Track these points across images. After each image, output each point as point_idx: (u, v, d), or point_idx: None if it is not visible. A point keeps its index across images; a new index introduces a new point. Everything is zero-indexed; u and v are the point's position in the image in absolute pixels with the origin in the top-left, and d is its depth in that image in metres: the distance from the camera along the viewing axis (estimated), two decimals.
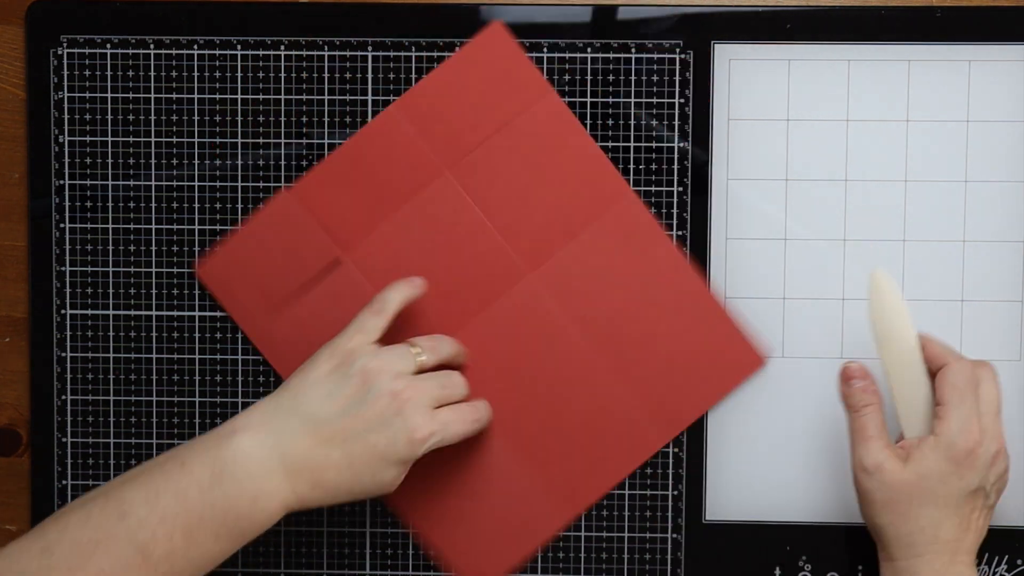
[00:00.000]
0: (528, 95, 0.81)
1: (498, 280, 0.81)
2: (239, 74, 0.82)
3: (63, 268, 0.83)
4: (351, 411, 0.72)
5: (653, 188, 0.82)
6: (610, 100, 0.82)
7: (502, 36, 0.80)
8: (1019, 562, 0.82)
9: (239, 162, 0.82)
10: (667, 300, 0.81)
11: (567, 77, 0.82)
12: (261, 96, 0.82)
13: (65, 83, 0.82)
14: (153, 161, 0.83)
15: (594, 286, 0.81)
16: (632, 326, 0.81)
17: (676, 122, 0.82)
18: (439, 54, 0.82)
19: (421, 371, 0.75)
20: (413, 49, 0.82)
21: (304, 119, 0.82)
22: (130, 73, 0.82)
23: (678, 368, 0.81)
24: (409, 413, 0.72)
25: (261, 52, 0.82)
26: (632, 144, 0.82)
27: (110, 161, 0.83)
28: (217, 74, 0.82)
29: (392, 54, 0.82)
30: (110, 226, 0.83)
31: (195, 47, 0.82)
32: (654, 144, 0.82)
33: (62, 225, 0.83)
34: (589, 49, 0.82)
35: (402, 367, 0.73)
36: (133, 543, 0.67)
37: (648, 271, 0.81)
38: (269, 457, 0.70)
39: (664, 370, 0.81)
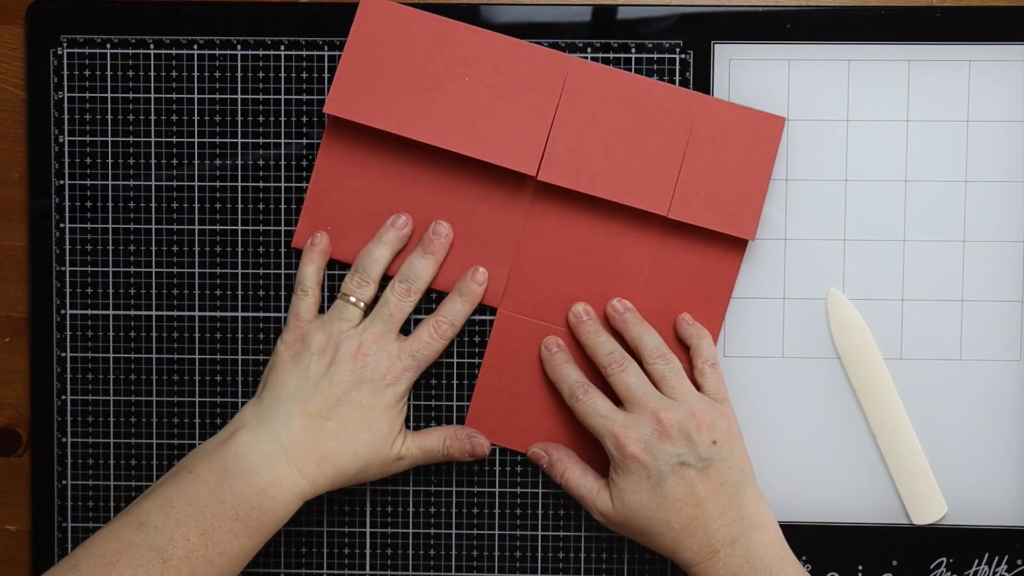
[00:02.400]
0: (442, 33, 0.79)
1: (510, 195, 0.80)
2: (239, 74, 0.82)
3: (63, 268, 0.83)
4: (325, 384, 0.76)
5: None
6: None
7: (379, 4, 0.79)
8: (1019, 562, 0.82)
9: (239, 162, 0.82)
10: (671, 122, 0.78)
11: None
12: (261, 96, 0.82)
13: (65, 83, 0.82)
14: (153, 161, 0.83)
15: (599, 160, 0.78)
16: (654, 171, 0.78)
17: None
18: None
19: (369, 306, 0.79)
20: None
21: (304, 119, 0.82)
22: (130, 73, 0.82)
23: (718, 174, 0.78)
24: (374, 363, 0.77)
25: (261, 52, 0.82)
26: None
27: (110, 161, 0.83)
28: (217, 74, 0.82)
29: None
30: (110, 226, 0.83)
31: (195, 47, 0.82)
32: None
33: (62, 225, 0.83)
34: (589, 49, 0.82)
35: (347, 325, 0.78)
36: (152, 549, 0.71)
37: (636, 113, 0.79)
38: (269, 447, 0.74)
39: (706, 185, 0.78)
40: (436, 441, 0.79)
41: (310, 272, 0.80)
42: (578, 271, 0.81)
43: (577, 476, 0.79)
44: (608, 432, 0.76)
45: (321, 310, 0.81)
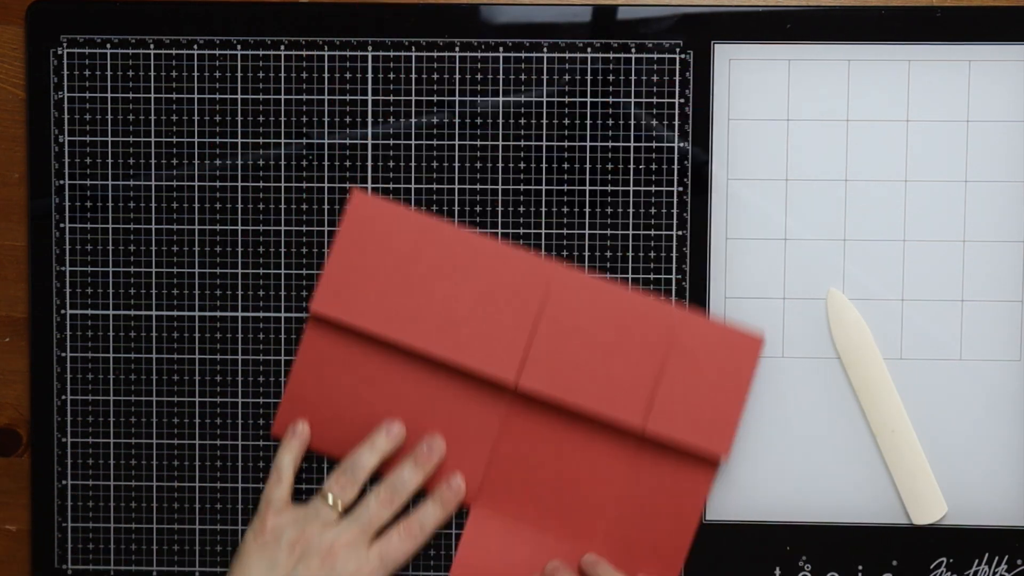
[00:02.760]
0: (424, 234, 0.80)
1: (488, 403, 0.81)
2: (239, 74, 0.82)
3: (63, 268, 0.83)
4: None
5: (653, 188, 0.82)
6: (610, 100, 0.82)
7: (367, 200, 0.81)
8: (1019, 562, 0.82)
9: (239, 162, 0.82)
10: (651, 335, 0.80)
11: (567, 77, 0.82)
12: (261, 96, 0.82)
13: (65, 83, 0.82)
14: (153, 161, 0.83)
15: (578, 370, 0.79)
16: (632, 384, 0.79)
17: (676, 122, 0.82)
18: (439, 54, 0.82)
19: (347, 509, 0.78)
20: (413, 49, 0.82)
21: (304, 119, 0.82)
22: (130, 73, 0.82)
23: (695, 390, 0.80)
24: (341, 566, 0.76)
25: (261, 52, 0.82)
26: (632, 144, 0.82)
27: (110, 161, 0.83)
28: (217, 74, 0.82)
29: (392, 54, 0.82)
30: (110, 226, 0.83)
31: (195, 47, 0.82)
32: (654, 144, 0.82)
33: (62, 225, 0.83)
34: (589, 49, 0.82)
35: (321, 522, 0.77)
36: None
37: (617, 325, 0.80)
38: None
39: (683, 401, 0.79)
40: None
41: (287, 460, 0.80)
42: (553, 476, 0.81)
43: None
44: None
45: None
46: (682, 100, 0.82)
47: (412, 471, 0.80)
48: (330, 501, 0.78)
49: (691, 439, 0.79)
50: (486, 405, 0.81)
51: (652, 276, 0.82)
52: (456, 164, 0.82)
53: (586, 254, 0.82)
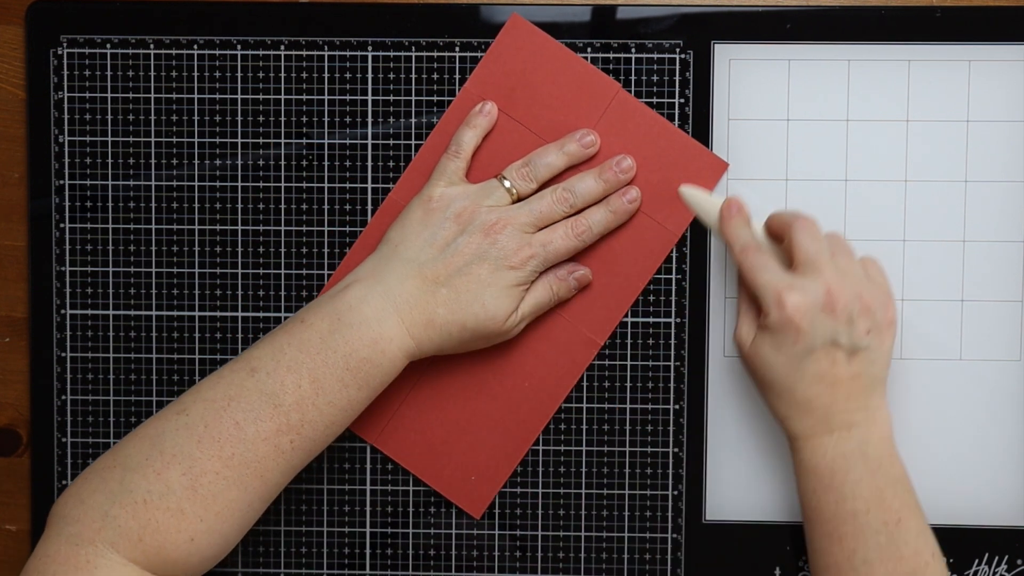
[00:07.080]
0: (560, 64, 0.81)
1: None
2: (239, 74, 0.82)
3: (63, 268, 0.83)
4: (449, 252, 0.75)
5: None
6: None
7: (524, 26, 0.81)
8: (1019, 562, 0.82)
9: (239, 162, 0.83)
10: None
11: None
12: (261, 96, 0.82)
13: (65, 83, 0.82)
14: (153, 161, 0.83)
15: None
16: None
17: (676, 122, 0.82)
18: (439, 54, 0.82)
19: (520, 199, 0.78)
20: (413, 49, 0.82)
21: (304, 119, 0.82)
22: (130, 73, 0.82)
23: (654, 193, 0.80)
24: (503, 242, 0.76)
25: (261, 52, 0.82)
26: None
27: (110, 161, 0.83)
28: (217, 74, 0.82)
29: (392, 54, 0.82)
30: (110, 226, 0.83)
31: (195, 47, 0.82)
32: None
33: (62, 225, 0.83)
34: (589, 49, 0.82)
35: (493, 201, 0.77)
36: (264, 394, 0.71)
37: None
38: (381, 303, 0.74)
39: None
40: (544, 293, 0.78)
41: (469, 136, 0.79)
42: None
43: (768, 275, 0.73)
44: (772, 289, 0.72)
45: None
46: (682, 100, 0.82)
47: (596, 181, 0.79)
48: (506, 185, 0.77)
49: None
50: None
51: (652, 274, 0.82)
52: None
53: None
